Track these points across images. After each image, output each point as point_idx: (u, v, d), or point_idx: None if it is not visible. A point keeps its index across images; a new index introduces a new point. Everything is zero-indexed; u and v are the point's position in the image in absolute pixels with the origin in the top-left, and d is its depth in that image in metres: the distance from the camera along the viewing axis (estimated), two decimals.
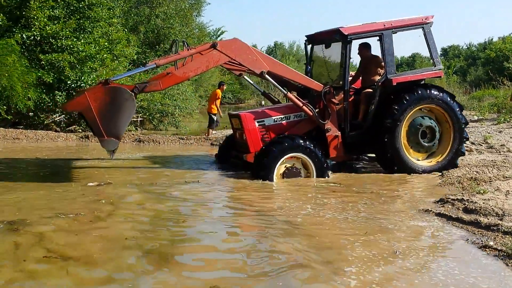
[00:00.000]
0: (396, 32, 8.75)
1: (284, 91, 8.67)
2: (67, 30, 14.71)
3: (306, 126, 8.65)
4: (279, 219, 5.66)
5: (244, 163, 8.54)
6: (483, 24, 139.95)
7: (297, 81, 8.80)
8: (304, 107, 8.42)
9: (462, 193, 6.77)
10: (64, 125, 16.22)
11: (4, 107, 13.91)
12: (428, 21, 8.86)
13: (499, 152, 10.46)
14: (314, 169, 8.08)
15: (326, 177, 8.13)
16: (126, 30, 18.79)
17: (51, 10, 14.89)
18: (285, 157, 7.97)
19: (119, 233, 5.02)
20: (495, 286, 3.84)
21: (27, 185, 7.44)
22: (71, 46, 14.66)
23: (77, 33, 15.34)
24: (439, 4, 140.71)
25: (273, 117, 8.61)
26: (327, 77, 9.59)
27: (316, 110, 8.54)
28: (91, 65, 15.00)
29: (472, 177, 7.79)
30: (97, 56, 15.20)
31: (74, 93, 14.70)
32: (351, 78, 9.18)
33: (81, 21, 15.47)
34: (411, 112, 8.56)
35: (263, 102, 25.61)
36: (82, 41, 15.07)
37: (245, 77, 9.71)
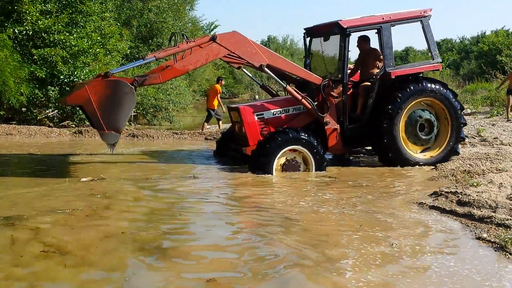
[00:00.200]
0: (394, 25, 8.76)
1: (283, 84, 8.67)
2: (59, 24, 14.61)
3: (305, 119, 8.66)
4: (275, 213, 5.68)
5: (243, 156, 8.55)
6: (476, 17, 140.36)
7: (296, 74, 8.81)
8: (303, 100, 8.43)
9: (456, 186, 6.80)
10: (57, 120, 16.14)
11: None
12: (426, 14, 8.87)
13: (492, 145, 10.52)
14: (313, 162, 8.11)
15: (324, 171, 8.16)
16: (118, 24, 18.69)
17: (43, 4, 14.79)
18: (285, 149, 7.99)
19: (115, 227, 5.03)
20: (489, 278, 3.87)
21: (22, 180, 7.42)
22: (64, 40, 14.57)
23: (70, 27, 15.25)
24: None
25: (272, 110, 8.61)
26: (325, 70, 9.59)
27: (315, 103, 8.55)
28: (84, 59, 14.92)
29: (465, 170, 7.83)
30: (90, 50, 15.12)
31: (67, 88, 14.64)
32: (349, 71, 9.18)
33: (74, 16, 15.37)
34: (411, 104, 8.58)
35: (257, 97, 25.64)
36: (75, 35, 14.98)
37: (244, 70, 9.71)
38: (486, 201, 5.76)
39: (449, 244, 4.76)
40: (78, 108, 15.18)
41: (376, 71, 8.99)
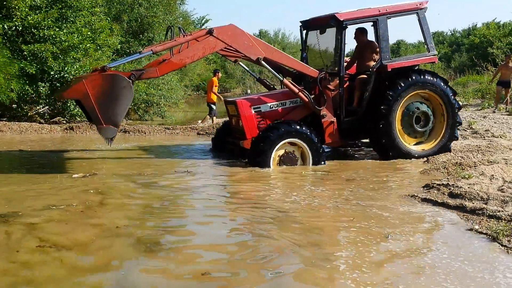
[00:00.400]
0: (390, 18, 8.77)
1: (280, 77, 8.68)
2: (49, 20, 14.47)
3: (301, 112, 8.68)
4: (269, 208, 5.70)
5: (240, 150, 8.58)
6: (467, 10, 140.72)
7: (293, 67, 8.81)
8: (300, 93, 8.44)
9: (448, 178, 6.84)
10: (48, 116, 16.03)
11: None
12: (422, 7, 8.90)
13: (484, 137, 10.57)
14: (310, 155, 8.13)
15: (322, 163, 8.19)
16: (109, 19, 18.50)
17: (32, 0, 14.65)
18: (282, 142, 8.01)
19: (110, 222, 5.06)
20: (482, 269, 3.91)
21: (14, 177, 7.38)
22: (54, 36, 14.43)
23: (59, 22, 15.10)
24: None
25: (269, 104, 8.62)
26: (322, 63, 9.58)
27: (312, 96, 8.56)
28: (74, 55, 14.78)
29: (457, 162, 7.87)
30: (80, 46, 14.98)
31: (58, 84, 14.53)
32: (346, 64, 9.18)
33: (63, 11, 15.21)
34: (407, 97, 8.60)
35: (249, 91, 25.60)
36: (65, 31, 14.83)
37: (240, 63, 9.72)
38: (477, 193, 5.80)
39: (441, 236, 4.80)
40: (69, 104, 15.14)
41: (372, 63, 9.01)
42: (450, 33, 52.79)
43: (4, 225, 4.86)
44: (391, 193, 6.39)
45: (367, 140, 9.74)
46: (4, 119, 14.94)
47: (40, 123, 14.62)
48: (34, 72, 14.12)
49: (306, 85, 8.77)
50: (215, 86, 15.89)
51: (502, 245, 4.39)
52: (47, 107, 15.89)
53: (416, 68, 8.99)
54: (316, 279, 3.75)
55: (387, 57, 8.70)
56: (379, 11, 8.64)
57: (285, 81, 8.51)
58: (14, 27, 14.21)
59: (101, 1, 17.86)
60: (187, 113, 24.07)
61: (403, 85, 8.51)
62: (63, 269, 3.87)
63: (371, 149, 9.76)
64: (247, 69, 10.53)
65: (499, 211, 5.18)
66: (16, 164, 8.78)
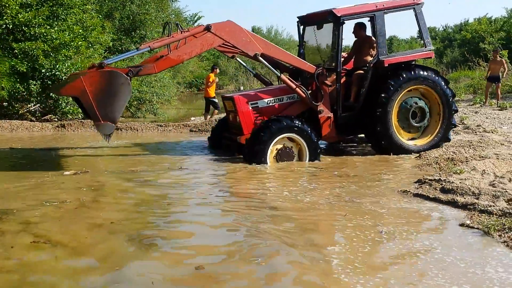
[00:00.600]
0: (387, 13, 8.78)
1: (277, 73, 8.68)
2: (40, 17, 14.36)
3: (299, 108, 8.69)
4: (261, 203, 5.72)
5: (238, 145, 8.58)
6: (459, 5, 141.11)
7: (290, 63, 8.81)
8: (297, 89, 8.46)
9: (440, 174, 6.87)
10: (39, 114, 15.94)
11: None
12: (419, 2, 8.92)
13: (475, 132, 10.62)
14: (307, 150, 8.14)
15: (318, 160, 8.21)
16: (100, 16, 18.39)
17: None
18: (279, 137, 8.02)
19: (104, 218, 5.08)
20: (473, 264, 3.93)
21: (6, 175, 7.36)
22: (45, 34, 14.32)
23: (51, 20, 14.98)
24: None
25: (266, 99, 8.64)
26: (319, 59, 9.60)
27: (309, 91, 8.57)
28: (66, 53, 14.68)
29: (449, 158, 7.91)
30: (72, 43, 14.88)
31: (49, 82, 14.43)
32: (343, 59, 9.19)
33: (54, 8, 15.10)
34: (404, 92, 8.63)
35: (241, 88, 25.57)
36: (56, 28, 14.72)
37: (238, 59, 9.67)
38: (469, 188, 5.83)
39: (433, 231, 4.82)
40: (60, 102, 15.05)
41: (370, 59, 9.02)
42: (442, 29, 52.94)
43: None
44: (384, 189, 6.41)
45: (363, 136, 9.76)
46: None
47: (31, 121, 14.54)
48: (25, 70, 14.01)
49: (303, 80, 8.80)
50: (213, 82, 15.89)
51: (493, 240, 4.42)
52: (38, 105, 15.80)
53: (413, 63, 9.02)
54: (309, 274, 3.77)
55: (384, 52, 8.72)
56: (376, 6, 8.66)
57: (283, 76, 8.52)
58: (4, 25, 14.09)
59: None
60: (180, 110, 24.02)
61: (404, 76, 8.55)
62: (59, 264, 3.90)
63: (364, 145, 9.81)
64: (245, 65, 10.53)
65: (490, 206, 5.21)
66: (7, 162, 8.73)
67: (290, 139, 8.16)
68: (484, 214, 5.08)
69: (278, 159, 8.11)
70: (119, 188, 6.50)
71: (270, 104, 8.63)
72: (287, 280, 3.66)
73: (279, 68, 9.10)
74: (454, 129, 10.92)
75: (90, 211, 5.40)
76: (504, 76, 16.19)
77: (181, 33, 7.81)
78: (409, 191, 6.11)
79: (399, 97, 8.61)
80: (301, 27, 9.76)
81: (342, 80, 8.80)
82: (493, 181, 6.28)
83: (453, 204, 5.51)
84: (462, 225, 4.87)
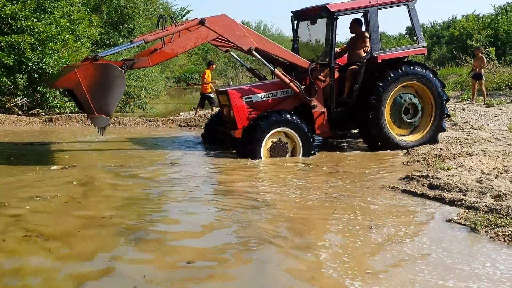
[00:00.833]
0: (381, 9, 8.82)
1: (271, 67, 8.69)
2: (26, 10, 14.19)
3: (292, 103, 8.71)
4: (252, 199, 5.75)
5: (231, 140, 8.60)
6: (447, 2, 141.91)
7: (284, 57, 8.82)
8: (291, 83, 8.48)
9: (427, 170, 6.92)
10: (26, 108, 15.78)
11: None
12: None
13: (463, 129, 10.71)
14: (301, 145, 8.18)
15: (312, 155, 8.26)
16: (88, 10, 18.24)
17: None
18: (273, 131, 8.05)
19: (95, 212, 5.11)
20: (461, 260, 3.97)
21: None
22: (31, 27, 14.17)
23: (37, 13, 14.82)
24: None
25: (260, 94, 8.65)
26: (313, 54, 9.61)
27: (303, 86, 8.59)
28: (53, 46, 14.54)
29: (436, 154, 7.96)
30: (59, 37, 14.73)
31: (37, 76, 14.29)
32: (337, 52, 9.21)
33: (41, 1, 14.92)
34: (396, 88, 8.68)
35: (230, 83, 25.50)
36: (43, 21, 14.57)
37: (232, 53, 9.64)
38: (456, 184, 5.88)
39: (420, 227, 4.87)
40: (47, 96, 14.92)
41: (363, 54, 9.05)
42: (430, 26, 53.23)
43: None
44: (373, 185, 6.45)
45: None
46: None
47: (18, 115, 14.40)
48: (11, 64, 13.86)
49: (297, 75, 8.84)
50: (208, 77, 15.86)
51: (480, 236, 4.46)
52: (25, 99, 15.64)
53: (405, 59, 9.08)
54: (299, 268, 3.81)
55: (378, 48, 8.75)
56: (370, 2, 8.70)
57: (277, 71, 8.54)
58: None
59: None
60: (169, 105, 23.94)
61: (399, 72, 8.60)
62: (51, 258, 3.92)
63: (357, 140, 9.86)
64: (239, 59, 10.52)
65: (477, 202, 5.27)
66: None
67: (285, 133, 8.20)
68: (471, 210, 5.14)
69: (272, 153, 8.14)
70: (109, 183, 6.49)
71: (264, 98, 8.65)
72: (277, 274, 3.69)
73: (273, 62, 9.11)
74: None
75: (81, 205, 5.40)
76: (483, 72, 16.42)
77: (175, 26, 7.81)
78: (397, 188, 6.15)
79: (392, 92, 8.66)
80: (295, 22, 9.77)
81: (336, 75, 8.83)
82: (480, 177, 6.34)
83: (441, 200, 5.56)
84: (449, 221, 4.91)
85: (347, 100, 8.89)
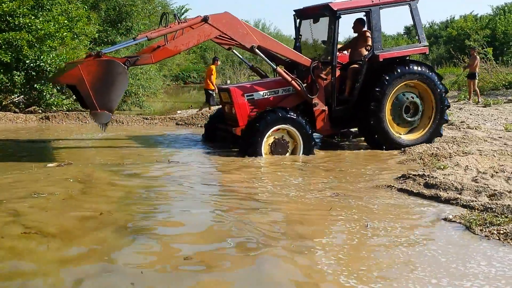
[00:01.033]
0: (383, 8, 8.84)
1: (273, 65, 8.70)
2: (24, 7, 14.16)
3: (294, 101, 8.74)
4: (249, 197, 5.77)
5: (233, 137, 8.63)
6: (445, 2, 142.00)
7: (286, 55, 8.85)
8: (292, 81, 8.51)
9: (423, 169, 6.94)
10: (23, 106, 15.75)
11: None
12: None
13: (459, 128, 10.74)
14: (301, 143, 8.22)
15: (312, 154, 8.29)
16: (86, 7, 18.21)
17: None
18: (274, 128, 8.08)
19: (93, 209, 5.12)
20: (455, 260, 3.98)
21: None
22: (29, 24, 14.14)
23: (35, 10, 14.79)
24: None
25: (262, 92, 8.68)
26: (315, 52, 9.62)
27: (304, 84, 8.61)
28: (51, 43, 14.51)
29: (433, 153, 7.99)
30: (57, 34, 14.70)
31: (34, 73, 14.26)
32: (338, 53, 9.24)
33: None
34: (398, 87, 8.71)
35: (228, 81, 25.52)
36: (41, 19, 14.54)
37: (234, 51, 9.66)
38: (452, 183, 5.90)
39: (416, 226, 4.88)
40: (44, 94, 14.89)
41: (365, 52, 9.08)
42: (428, 25, 53.29)
43: None
44: (369, 184, 6.46)
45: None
46: None
47: (15, 112, 14.37)
48: (9, 61, 13.83)
49: (299, 73, 8.87)
50: (213, 74, 15.90)
51: (475, 234, 4.48)
52: (22, 96, 15.61)
53: (407, 58, 9.11)
54: (295, 265, 3.84)
55: (379, 47, 8.77)
56: (372, 1, 8.73)
57: (279, 69, 8.56)
58: None
59: None
60: (166, 103, 23.91)
61: (405, 68, 8.63)
62: (50, 254, 3.94)
63: (356, 139, 9.89)
64: (241, 57, 10.55)
65: (472, 201, 5.29)
66: None
67: (286, 131, 8.23)
68: (466, 209, 5.16)
69: (273, 151, 8.17)
70: (107, 181, 6.50)
71: (266, 96, 8.68)
72: (274, 271, 3.72)
73: (275, 60, 9.15)
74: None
75: (79, 202, 5.42)
76: (477, 72, 16.53)
77: (179, 23, 7.81)
78: (393, 186, 6.16)
79: (393, 91, 8.67)
80: (298, 21, 9.79)
81: (337, 74, 8.85)
82: (476, 176, 6.36)
83: (436, 199, 5.58)
84: (444, 219, 4.93)
85: (348, 99, 8.92)
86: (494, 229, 4.49)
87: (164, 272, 3.67)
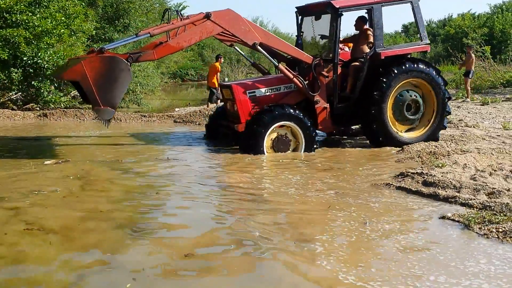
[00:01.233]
0: (385, 6, 8.84)
1: (275, 62, 8.71)
2: (21, 4, 14.11)
3: (295, 98, 8.74)
4: (249, 194, 5.79)
5: (235, 133, 8.64)
6: (443, 1, 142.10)
7: (288, 52, 8.85)
8: (294, 79, 8.52)
9: (422, 167, 6.94)
10: (21, 103, 15.71)
11: None
12: None
13: (457, 126, 10.75)
14: (303, 140, 8.23)
15: (313, 151, 8.31)
16: (83, 4, 18.15)
17: None
18: (276, 125, 8.10)
19: (93, 206, 5.17)
20: (454, 258, 3.98)
21: None
22: (27, 21, 14.09)
23: (33, 7, 14.74)
24: None
25: (264, 89, 8.68)
26: (316, 49, 9.60)
27: (306, 82, 8.61)
28: (48, 40, 14.46)
29: (431, 151, 7.99)
30: (54, 31, 14.65)
31: (31, 70, 14.22)
32: (342, 45, 9.22)
33: None
34: (399, 85, 8.70)
35: (226, 79, 25.48)
36: (38, 15, 14.49)
37: (236, 47, 9.67)
38: (450, 181, 5.90)
39: (414, 224, 4.89)
40: (42, 91, 14.85)
41: (366, 49, 9.07)
42: (426, 24, 53.27)
43: None
44: (367, 182, 6.47)
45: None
46: None
47: (12, 109, 14.34)
48: (6, 58, 13.79)
49: (301, 71, 8.86)
50: (218, 71, 15.90)
51: (473, 233, 4.48)
52: (20, 93, 15.57)
53: (408, 56, 9.11)
54: (294, 261, 3.86)
55: (381, 45, 8.78)
56: None
57: (281, 66, 8.57)
58: None
59: None
60: (164, 101, 23.88)
61: (400, 69, 8.62)
62: (53, 251, 3.99)
63: (357, 137, 9.90)
64: (243, 53, 10.56)
65: (471, 199, 5.29)
66: None
67: (289, 129, 8.23)
68: (465, 207, 5.16)
69: (275, 147, 8.18)
70: (106, 178, 6.53)
71: (267, 93, 8.68)
72: (273, 267, 3.76)
73: (276, 57, 9.14)
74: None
75: (79, 199, 5.46)
76: (472, 70, 16.58)
77: (181, 20, 7.81)
78: (392, 184, 6.17)
79: (395, 89, 8.67)
80: (299, 18, 9.77)
81: (339, 71, 8.85)
82: (474, 175, 6.37)
83: (435, 197, 5.58)
84: (443, 217, 4.94)
85: (350, 96, 8.93)
86: (492, 227, 4.50)
87: (165, 269, 3.69)
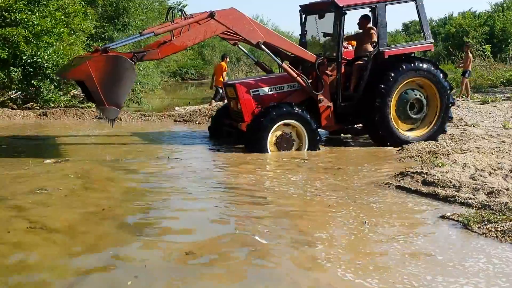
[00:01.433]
0: (389, 5, 8.84)
1: (279, 61, 8.72)
2: (21, 3, 14.09)
3: (299, 96, 8.75)
4: (249, 193, 5.81)
5: (238, 132, 8.65)
6: None
7: (291, 51, 8.86)
8: (298, 77, 8.53)
9: (421, 166, 6.94)
10: (20, 102, 15.69)
11: None
12: None
13: (457, 126, 10.74)
14: (307, 139, 8.25)
15: (317, 149, 8.33)
16: (83, 3, 18.13)
17: None
18: (279, 123, 8.11)
19: (95, 205, 5.20)
20: (452, 258, 3.98)
21: None
22: (26, 20, 14.07)
23: (32, 6, 14.71)
24: None
25: (267, 87, 8.69)
26: (320, 48, 9.59)
27: (309, 81, 8.61)
28: (47, 39, 14.44)
29: (431, 151, 7.98)
30: (54, 30, 14.63)
31: (31, 69, 14.21)
32: (346, 44, 9.21)
33: None
34: (403, 83, 8.70)
35: (226, 78, 25.47)
36: (37, 14, 14.46)
37: (239, 46, 9.69)
38: (450, 181, 5.90)
39: (414, 223, 4.89)
40: (42, 90, 14.84)
41: (370, 48, 9.07)
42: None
43: None
44: (367, 181, 6.47)
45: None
46: None
47: (12, 108, 14.32)
48: (5, 57, 13.78)
49: (304, 69, 8.86)
50: (224, 71, 15.90)
51: (472, 232, 4.48)
52: (20, 92, 15.56)
53: (412, 55, 9.11)
54: (295, 260, 3.88)
55: (385, 43, 8.77)
56: None
57: (284, 65, 8.58)
58: None
59: None
60: (164, 100, 23.87)
61: (408, 66, 8.63)
62: (55, 249, 4.03)
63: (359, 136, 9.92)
64: (247, 52, 10.57)
65: (470, 199, 5.29)
66: None
67: (291, 126, 8.25)
68: (464, 207, 5.16)
69: (278, 146, 8.19)
70: (106, 177, 6.56)
71: (271, 92, 8.69)
72: (274, 266, 3.77)
73: (280, 56, 9.14)
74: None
75: (81, 198, 5.49)
76: (469, 69, 16.56)
77: (185, 19, 7.82)
78: (391, 184, 6.17)
79: (401, 85, 8.67)
80: (303, 16, 9.77)
81: (342, 70, 8.86)
82: (474, 174, 6.37)
83: (434, 196, 5.58)
84: (442, 217, 4.94)
85: (353, 95, 8.93)
86: (492, 227, 4.50)
87: (167, 266, 3.73)
